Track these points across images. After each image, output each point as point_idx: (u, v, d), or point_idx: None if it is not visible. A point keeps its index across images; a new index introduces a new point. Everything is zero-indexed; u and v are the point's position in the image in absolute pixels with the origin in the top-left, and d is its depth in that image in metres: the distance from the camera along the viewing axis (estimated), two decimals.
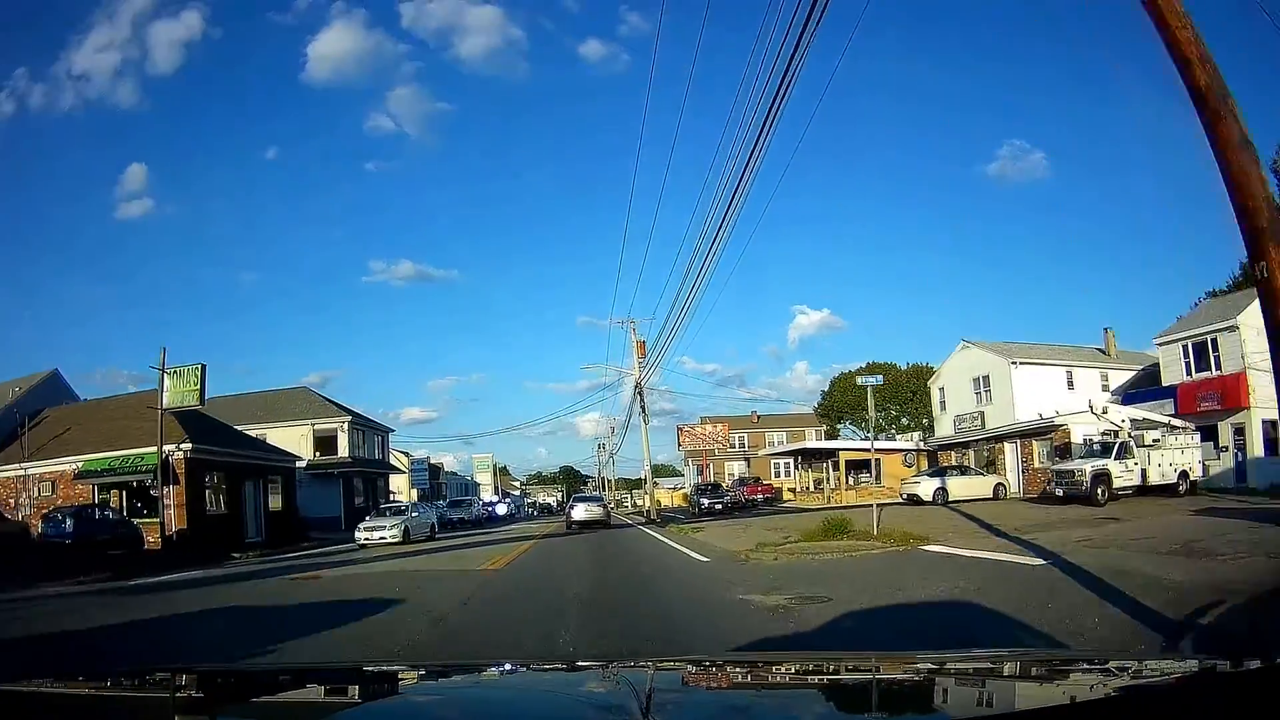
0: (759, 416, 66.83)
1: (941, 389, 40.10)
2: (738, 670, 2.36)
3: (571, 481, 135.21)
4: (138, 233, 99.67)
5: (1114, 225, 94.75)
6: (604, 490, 76.01)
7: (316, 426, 43.95)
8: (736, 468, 60.03)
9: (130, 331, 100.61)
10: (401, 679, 2.41)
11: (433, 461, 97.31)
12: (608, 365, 41.09)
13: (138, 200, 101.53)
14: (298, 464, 39.46)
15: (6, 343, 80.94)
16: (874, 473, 42.70)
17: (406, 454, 65.09)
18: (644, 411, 35.06)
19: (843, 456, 41.52)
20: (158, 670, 2.28)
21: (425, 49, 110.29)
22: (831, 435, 60.39)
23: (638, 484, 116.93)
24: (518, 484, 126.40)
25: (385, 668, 3.45)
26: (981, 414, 36.87)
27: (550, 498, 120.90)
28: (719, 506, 34.38)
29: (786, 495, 47.07)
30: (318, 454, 43.49)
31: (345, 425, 43.80)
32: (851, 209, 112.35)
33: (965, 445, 37.52)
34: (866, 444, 48.68)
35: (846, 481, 41.41)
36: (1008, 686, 1.90)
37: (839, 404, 72.52)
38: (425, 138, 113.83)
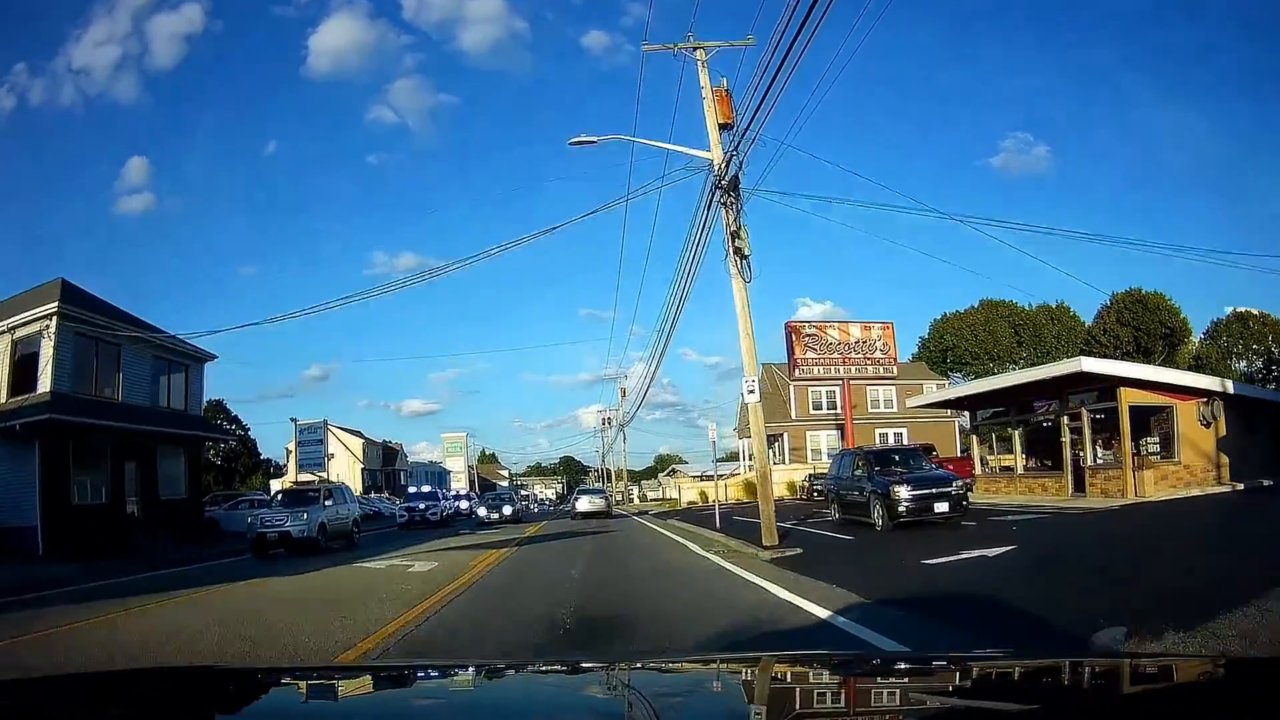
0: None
1: None
2: (736, 668, 2.25)
3: (572, 472, 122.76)
4: (140, 227, 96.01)
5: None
6: (606, 482, 61.84)
7: (17, 334, 20.95)
8: (823, 439, 36.84)
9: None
10: (402, 678, 2.31)
11: (391, 445, 75.88)
12: (631, 136, 17.54)
13: (139, 194, 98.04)
14: None
15: None
16: (1161, 434, 19.74)
17: (299, 421, 42.16)
18: (735, 239, 12.17)
19: (1126, 398, 18.45)
20: (156, 669, 2.31)
21: (428, 40, 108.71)
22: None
23: (647, 474, 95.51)
24: (505, 473, 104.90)
25: (386, 667, 3.56)
26: None
27: (549, 489, 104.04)
28: (945, 507, 11.44)
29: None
30: (10, 396, 20.69)
31: (50, 329, 20.28)
32: (855, 196, 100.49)
33: None
34: (1177, 375, 25.33)
35: (1134, 453, 18.36)
36: (998, 687, 1.77)
37: (957, 350, 49.40)
38: (427, 130, 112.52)
